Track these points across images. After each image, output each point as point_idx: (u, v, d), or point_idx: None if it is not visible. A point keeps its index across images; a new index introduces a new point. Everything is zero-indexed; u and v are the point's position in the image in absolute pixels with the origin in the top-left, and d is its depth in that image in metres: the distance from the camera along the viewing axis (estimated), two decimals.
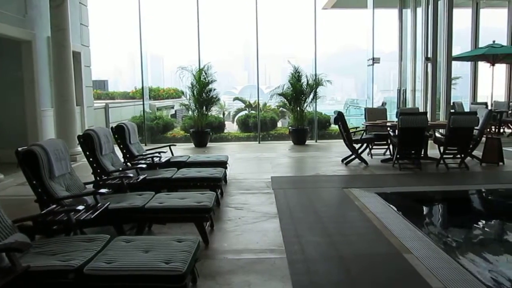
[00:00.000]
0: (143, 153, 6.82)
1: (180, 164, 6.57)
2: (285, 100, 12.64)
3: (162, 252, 2.91)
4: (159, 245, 3.03)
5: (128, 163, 6.32)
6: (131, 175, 5.33)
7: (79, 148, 6.35)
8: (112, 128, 6.57)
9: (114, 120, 12.75)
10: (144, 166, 5.80)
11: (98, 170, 5.36)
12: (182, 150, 10.52)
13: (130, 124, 6.89)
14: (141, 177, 5.38)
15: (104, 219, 4.05)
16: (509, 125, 13.59)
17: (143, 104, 12.99)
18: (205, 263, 3.74)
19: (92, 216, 3.77)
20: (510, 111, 14.19)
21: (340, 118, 8.37)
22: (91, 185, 4.97)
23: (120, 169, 5.61)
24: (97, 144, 5.37)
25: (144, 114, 12.92)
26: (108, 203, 4.15)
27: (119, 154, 6.33)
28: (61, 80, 8.79)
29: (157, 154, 6.73)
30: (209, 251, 4.08)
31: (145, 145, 11.64)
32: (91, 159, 5.35)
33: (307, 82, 12.39)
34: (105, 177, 5.27)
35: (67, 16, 8.80)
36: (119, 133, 6.52)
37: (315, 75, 12.55)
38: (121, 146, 6.54)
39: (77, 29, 10.33)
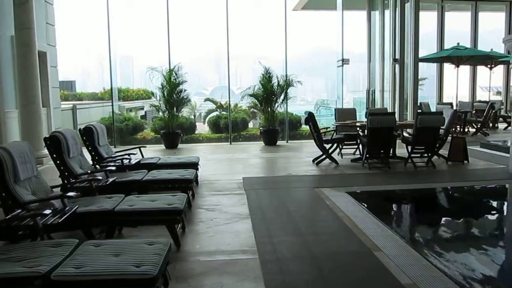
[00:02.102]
0: (113, 155, 6.71)
1: (150, 166, 6.49)
2: (256, 101, 12.67)
3: (133, 255, 2.86)
4: (130, 249, 2.98)
5: (97, 166, 6.20)
6: (100, 177, 5.22)
7: (45, 151, 6.20)
8: (80, 130, 6.43)
9: (82, 121, 12.48)
10: (113, 168, 5.71)
11: (66, 173, 5.23)
12: (153, 152, 10.39)
13: (98, 125, 6.76)
14: (111, 179, 5.29)
15: (73, 223, 3.96)
16: (473, 124, 14.01)
17: (112, 105, 12.77)
18: (177, 266, 3.70)
19: (60, 220, 3.68)
20: (474, 111, 14.63)
21: (310, 118, 8.45)
22: (59, 189, 4.84)
23: (89, 171, 5.50)
24: (64, 146, 5.25)
25: (113, 115, 12.70)
26: (77, 206, 4.05)
27: (88, 157, 6.20)
28: (26, 81, 8.54)
29: (126, 156, 6.64)
30: (181, 253, 4.04)
31: (115, 147, 11.46)
32: (58, 161, 5.21)
33: (278, 83, 12.46)
34: (73, 180, 5.15)
35: (32, 15, 8.56)
36: (88, 135, 6.39)
37: (286, 76, 12.63)
38: (90, 148, 6.41)
39: (43, 28, 10.07)
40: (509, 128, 13.50)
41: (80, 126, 7.73)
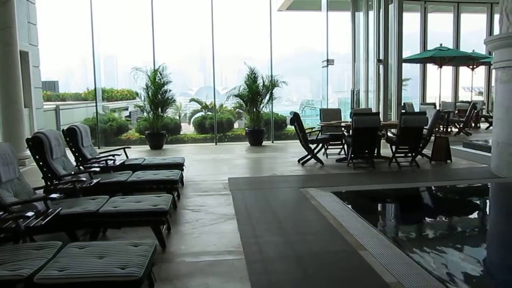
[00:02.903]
0: (97, 156, 6.64)
1: (135, 167, 6.44)
2: (242, 101, 12.68)
3: (118, 257, 2.83)
4: (114, 251, 2.95)
5: (81, 167, 6.13)
6: (84, 179, 5.16)
7: (28, 152, 6.12)
8: (63, 130, 6.35)
9: (65, 122, 12.32)
10: (97, 169, 5.65)
11: (49, 175, 5.17)
12: (137, 153, 10.33)
13: (82, 126, 6.69)
14: (95, 181, 5.23)
15: (56, 225, 3.90)
16: (456, 124, 14.21)
17: (96, 105, 12.64)
18: (163, 267, 3.68)
19: (43, 223, 3.62)
20: (456, 111, 14.84)
21: (296, 118, 8.48)
22: (42, 190, 4.78)
23: (72, 173, 5.44)
24: (47, 148, 5.18)
25: (97, 116, 12.57)
26: (60, 208, 4.00)
27: (71, 158, 6.13)
28: (7, 81, 8.41)
29: (111, 157, 6.58)
30: (166, 254, 4.02)
31: (99, 148, 11.35)
32: (41, 163, 5.14)
33: (263, 83, 12.47)
34: (56, 182, 5.08)
35: (14, 14, 8.44)
36: (71, 135, 6.32)
37: (271, 76, 12.65)
38: (73, 149, 6.34)
39: (25, 27, 9.92)
40: (491, 128, 13.70)
41: (64, 127, 7.65)
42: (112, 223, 4.28)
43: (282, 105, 18.07)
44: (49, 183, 5.07)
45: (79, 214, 4.06)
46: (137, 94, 12.81)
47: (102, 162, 6.31)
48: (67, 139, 6.27)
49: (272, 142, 12.92)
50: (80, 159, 6.33)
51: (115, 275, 2.62)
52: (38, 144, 5.14)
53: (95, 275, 2.61)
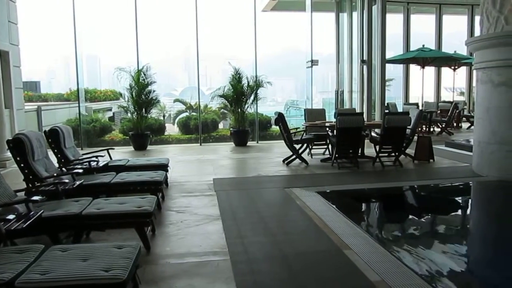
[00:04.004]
0: (80, 158, 6.57)
1: (119, 168, 6.38)
2: (226, 102, 12.67)
3: (101, 259, 2.80)
4: (98, 253, 2.92)
5: (63, 168, 6.06)
6: (67, 180, 5.11)
7: (8, 154, 6.01)
8: (45, 131, 6.26)
9: (47, 123, 12.13)
10: (80, 171, 5.58)
11: (31, 177, 5.09)
12: (121, 154, 10.24)
13: (64, 127, 6.60)
14: (78, 182, 5.17)
15: (38, 228, 3.84)
16: (438, 124, 14.40)
17: (79, 106, 12.49)
18: (147, 269, 3.65)
19: (24, 226, 3.56)
20: (439, 111, 15.05)
21: (280, 119, 8.50)
22: (23, 193, 4.70)
23: (55, 174, 5.36)
24: (28, 149, 5.09)
25: (80, 116, 12.42)
26: (42, 211, 3.94)
27: (54, 159, 6.05)
28: None
29: (94, 158, 6.51)
30: (151, 256, 3.99)
31: (82, 149, 11.21)
32: (22, 164, 5.06)
33: (248, 83, 12.48)
34: (38, 184, 5.01)
35: None
36: (53, 137, 6.24)
37: (256, 76, 12.66)
38: (55, 150, 6.25)
39: (5, 26, 9.75)
40: (472, 127, 13.92)
41: (46, 128, 7.54)
42: (95, 225, 4.23)
43: (267, 105, 18.09)
44: (30, 185, 5.00)
45: (62, 216, 4.00)
46: (120, 94, 12.70)
47: (85, 164, 6.24)
48: (49, 140, 6.18)
49: (257, 143, 12.94)
50: (63, 160, 6.25)
51: (99, 277, 2.59)
52: (19, 146, 5.05)
53: (79, 278, 2.59)
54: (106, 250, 2.99)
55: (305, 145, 9.09)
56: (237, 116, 12.39)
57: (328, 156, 9.24)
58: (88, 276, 2.60)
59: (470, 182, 7.46)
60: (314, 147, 9.76)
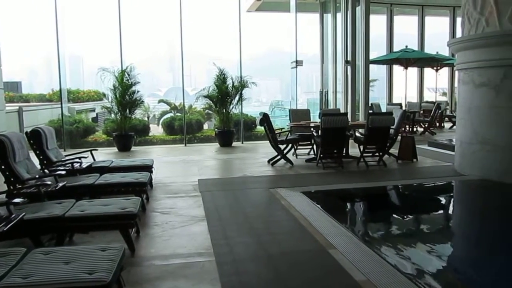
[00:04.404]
0: (62, 159, 6.47)
1: (102, 169, 6.31)
2: (211, 102, 12.63)
3: (85, 262, 2.77)
4: (81, 256, 2.88)
5: (46, 170, 5.96)
6: (49, 182, 5.03)
7: None
8: (27, 133, 6.15)
9: (29, 124, 11.94)
10: (63, 172, 5.50)
11: (12, 179, 4.99)
12: (105, 155, 10.14)
13: (47, 128, 6.51)
14: (60, 184, 5.09)
15: (19, 231, 3.78)
16: (421, 124, 14.58)
17: (62, 107, 12.32)
18: (132, 271, 3.62)
19: (5, 229, 3.49)
20: (422, 111, 15.23)
21: (265, 119, 8.51)
22: (4, 195, 4.62)
23: (37, 176, 5.28)
24: (9, 150, 5.00)
25: (63, 117, 12.26)
26: (24, 213, 3.86)
27: (36, 161, 5.95)
28: None
29: (77, 160, 6.42)
30: (135, 258, 3.96)
31: (64, 150, 11.06)
32: (3, 166, 4.96)
33: (233, 84, 12.46)
34: (20, 186, 4.92)
35: None
36: (35, 138, 6.13)
37: (241, 77, 12.65)
38: (38, 152, 6.15)
39: None
40: (454, 127, 14.13)
41: (27, 129, 7.41)
42: (79, 228, 4.18)
43: (251, 105, 18.13)
44: (11, 187, 4.91)
45: (44, 219, 3.94)
46: (104, 95, 12.56)
47: (68, 165, 6.15)
48: (31, 141, 6.08)
49: (242, 143, 12.93)
50: (45, 162, 6.15)
51: (82, 280, 2.56)
52: None
53: (61, 281, 2.55)
54: (90, 252, 2.95)
55: (290, 145, 9.11)
56: (222, 116, 12.36)
57: (313, 156, 9.28)
58: (71, 279, 2.56)
59: (453, 181, 7.56)
60: (299, 147, 9.79)
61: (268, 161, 8.91)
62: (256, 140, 13.28)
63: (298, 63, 13.74)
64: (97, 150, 7.80)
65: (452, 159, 8.37)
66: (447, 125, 16.44)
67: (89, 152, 7.07)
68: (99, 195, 5.32)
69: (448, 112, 17.13)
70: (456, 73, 8.18)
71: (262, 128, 9.00)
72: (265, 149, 10.45)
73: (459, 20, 8.99)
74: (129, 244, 4.04)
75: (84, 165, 6.47)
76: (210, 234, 4.57)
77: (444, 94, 19.99)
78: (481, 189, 7.02)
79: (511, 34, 6.73)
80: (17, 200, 3.95)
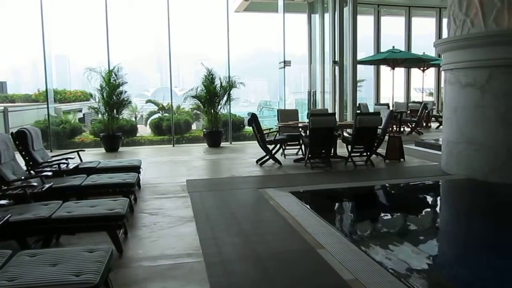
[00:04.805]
0: (49, 160, 6.41)
1: (90, 170, 6.27)
2: (199, 103, 12.60)
3: (72, 264, 2.74)
4: (68, 257, 2.85)
5: (32, 171, 5.89)
6: (35, 184, 4.97)
7: None
8: (12, 133, 6.08)
9: (15, 125, 11.77)
10: (49, 173, 5.44)
11: None
12: (92, 156, 10.05)
13: (33, 129, 6.43)
14: (47, 185, 5.04)
15: (5, 233, 3.73)
16: (408, 124, 14.70)
17: (48, 107, 12.17)
18: (120, 273, 3.60)
19: None
20: (409, 111, 15.36)
21: (253, 119, 8.50)
22: None
23: (23, 177, 5.21)
24: None
25: (49, 118, 12.12)
26: (9, 215, 3.81)
27: (21, 162, 5.88)
28: None
29: (64, 161, 6.36)
30: (123, 259, 3.93)
31: (51, 151, 10.95)
32: None
33: (221, 84, 12.44)
34: (5, 187, 4.86)
35: None
36: (21, 139, 6.06)
37: (229, 77, 12.64)
38: (23, 153, 6.08)
39: None
40: (441, 127, 14.28)
41: (13, 129, 7.32)
42: (65, 229, 4.14)
43: (240, 106, 18.10)
44: None
45: (30, 220, 3.89)
46: (91, 95, 12.47)
47: (54, 166, 6.09)
48: (17, 142, 6.01)
49: (230, 143, 12.92)
50: (31, 163, 6.08)
51: (70, 282, 2.53)
52: None
53: (48, 284, 2.52)
54: (77, 254, 2.92)
55: (278, 145, 9.12)
56: (210, 117, 12.34)
57: (301, 156, 9.31)
58: (58, 281, 2.54)
59: (439, 181, 7.64)
60: (287, 147, 9.81)
61: (257, 162, 8.91)
62: (244, 141, 13.27)
63: (286, 63, 13.77)
64: (84, 151, 7.74)
65: (438, 158, 8.45)
66: (434, 125, 16.61)
67: (76, 153, 7.00)
68: (86, 196, 5.28)
69: (434, 112, 17.31)
70: (443, 73, 8.27)
71: (251, 128, 9.00)
72: (253, 149, 10.45)
73: (445, 21, 9.09)
74: (117, 246, 4.02)
75: (71, 166, 6.41)
76: (199, 235, 4.55)
77: (430, 94, 20.19)
78: (467, 188, 7.10)
79: (496, 35, 6.83)
80: (2, 202, 3.92)
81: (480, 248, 4.62)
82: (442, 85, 9.76)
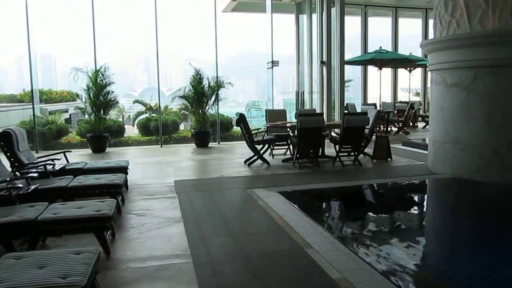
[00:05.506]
0: (34, 161, 6.33)
1: (76, 171, 6.20)
2: (187, 103, 12.58)
3: (59, 266, 2.71)
4: (55, 260, 2.82)
5: (17, 173, 5.82)
6: (21, 185, 4.90)
7: None
8: None
9: None
10: (35, 175, 5.38)
11: None
12: (79, 157, 9.96)
13: (18, 129, 6.35)
14: (32, 187, 4.98)
15: None
16: (395, 124, 14.81)
17: (33, 108, 12.02)
18: (107, 275, 3.57)
19: None
20: (396, 111, 15.48)
21: (242, 119, 8.50)
22: None
23: (8, 179, 5.14)
24: None
25: (35, 118, 11.97)
26: None
27: (6, 163, 5.80)
28: None
29: (50, 162, 6.29)
30: (111, 261, 3.90)
31: (37, 152, 10.83)
32: None
33: (209, 84, 12.42)
34: None
35: None
36: (5, 140, 5.97)
37: (217, 77, 12.62)
38: (8, 154, 5.99)
39: None
40: (427, 127, 14.41)
41: None
42: (52, 231, 4.09)
43: (228, 106, 18.11)
44: None
45: (16, 222, 3.84)
46: (77, 95, 12.33)
47: (40, 167, 6.01)
48: (1, 143, 5.93)
49: (218, 144, 12.90)
50: (16, 164, 6.00)
51: (56, 285, 2.51)
52: None
53: (35, 286, 2.49)
54: (64, 256, 2.89)
55: (266, 145, 9.13)
56: (198, 117, 12.31)
57: (290, 156, 9.33)
58: (44, 284, 2.51)
59: (426, 180, 7.71)
60: (275, 147, 9.82)
61: (245, 162, 8.91)
62: (232, 141, 13.26)
63: (274, 63, 13.79)
64: (70, 151, 7.67)
65: (425, 158, 8.54)
66: (421, 124, 16.76)
67: (62, 154, 6.93)
68: (73, 198, 5.22)
69: (421, 112, 17.46)
70: (429, 73, 8.35)
71: (239, 128, 8.99)
72: (241, 149, 10.45)
73: (431, 22, 9.17)
74: (104, 247, 3.99)
75: (57, 167, 6.34)
76: (187, 236, 4.54)
77: (417, 94, 20.37)
78: (453, 187, 7.18)
79: (481, 36, 6.93)
80: None
81: (465, 246, 4.68)
82: (429, 85, 9.87)
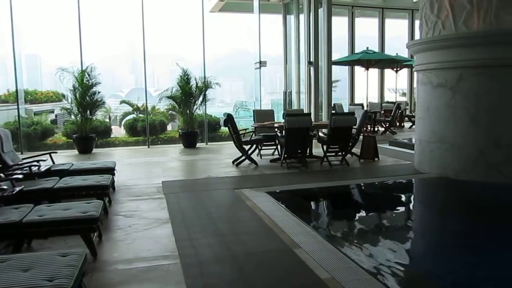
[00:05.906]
0: (19, 162, 6.25)
1: (62, 173, 6.13)
2: (175, 103, 12.53)
3: (45, 269, 2.68)
4: (41, 262, 2.79)
5: (1, 174, 5.73)
6: (5, 187, 4.82)
7: None
8: None
9: None
10: (20, 176, 5.30)
11: None
12: (65, 158, 9.85)
13: (2, 130, 6.27)
14: (17, 188, 4.90)
15: None
16: (382, 124, 14.92)
17: (18, 108, 11.87)
18: (94, 277, 3.54)
19: None
20: (382, 111, 15.60)
21: (229, 120, 8.49)
22: None
23: None
24: None
25: (19, 119, 11.82)
26: None
27: None
28: None
29: (35, 163, 6.21)
30: (98, 263, 3.87)
31: (22, 153, 10.70)
32: None
33: (196, 84, 12.39)
34: None
35: None
36: None
37: (204, 77, 12.59)
38: None
39: None
40: (414, 127, 14.54)
41: None
42: (37, 233, 4.04)
43: (215, 106, 18.07)
44: None
45: (0, 225, 3.79)
46: (63, 96, 12.22)
47: (25, 169, 5.94)
48: None
49: (206, 144, 12.87)
50: (1, 166, 5.92)
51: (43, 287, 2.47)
52: None
53: None
54: (50, 258, 2.86)
55: (254, 146, 9.13)
56: (185, 117, 12.27)
57: (277, 156, 9.34)
58: (30, 287, 2.47)
59: (413, 179, 7.78)
60: (263, 147, 9.83)
61: (233, 162, 8.90)
62: (220, 141, 13.24)
63: (261, 63, 13.80)
64: (56, 152, 7.60)
65: (412, 157, 8.61)
66: (407, 124, 16.91)
67: (48, 155, 6.86)
68: (59, 199, 5.16)
69: (407, 112, 17.62)
70: (415, 74, 8.43)
71: (226, 129, 8.98)
72: (229, 150, 10.43)
73: (417, 22, 9.26)
74: (91, 249, 3.95)
75: (43, 168, 6.28)
76: (175, 237, 4.52)
77: (403, 94, 20.55)
78: (440, 186, 7.25)
79: (466, 37, 7.01)
80: None
81: (452, 244, 4.73)
82: (415, 85, 9.95)
